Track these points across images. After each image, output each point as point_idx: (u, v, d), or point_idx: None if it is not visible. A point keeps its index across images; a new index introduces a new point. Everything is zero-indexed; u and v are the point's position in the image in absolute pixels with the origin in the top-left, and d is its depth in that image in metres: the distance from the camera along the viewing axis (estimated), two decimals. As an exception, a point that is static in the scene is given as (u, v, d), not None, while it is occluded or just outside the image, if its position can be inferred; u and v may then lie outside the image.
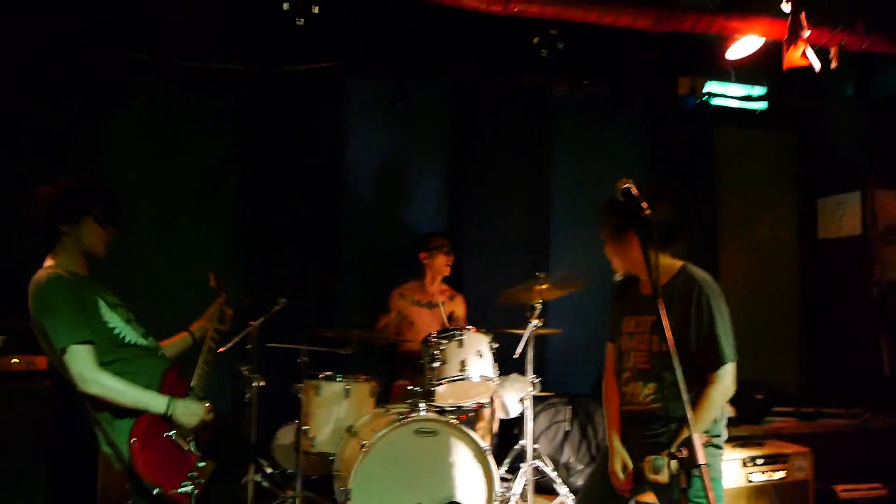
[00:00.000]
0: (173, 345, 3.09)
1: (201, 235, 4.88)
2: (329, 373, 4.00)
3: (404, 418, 3.54)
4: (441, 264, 4.66)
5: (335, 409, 3.94)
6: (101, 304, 2.70)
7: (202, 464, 2.66)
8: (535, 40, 4.60)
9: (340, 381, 3.99)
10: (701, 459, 1.85)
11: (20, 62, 4.54)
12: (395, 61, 5.10)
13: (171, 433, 2.66)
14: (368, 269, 5.19)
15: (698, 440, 1.87)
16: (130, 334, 2.75)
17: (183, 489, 2.56)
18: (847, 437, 4.83)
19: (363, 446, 3.46)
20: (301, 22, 4.36)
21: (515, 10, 4.06)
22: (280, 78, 5.01)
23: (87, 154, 4.61)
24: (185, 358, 3.02)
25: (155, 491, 2.55)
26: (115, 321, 2.71)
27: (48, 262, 2.72)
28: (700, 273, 2.56)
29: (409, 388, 3.89)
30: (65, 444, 3.86)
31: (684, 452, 1.91)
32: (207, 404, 2.75)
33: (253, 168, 5.01)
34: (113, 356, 2.64)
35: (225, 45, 4.86)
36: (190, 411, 2.68)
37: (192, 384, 2.81)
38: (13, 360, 3.64)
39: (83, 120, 4.65)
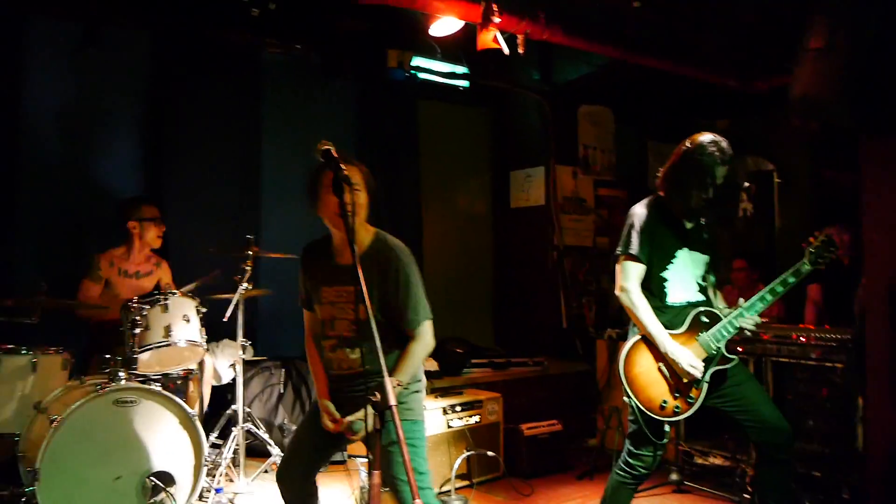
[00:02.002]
0: None
1: None
2: (11, 345, 3.56)
3: (101, 389, 3.29)
4: (153, 236, 4.32)
5: (19, 384, 3.51)
6: None
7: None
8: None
9: (26, 353, 3.56)
10: (391, 401, 1.97)
11: None
12: (84, 2, 4.63)
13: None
14: (55, 232, 4.67)
15: (389, 384, 1.98)
16: None
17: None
18: (531, 383, 5.47)
19: (53, 421, 3.15)
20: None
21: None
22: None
23: None
24: None
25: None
26: None
27: None
28: (393, 240, 2.69)
29: (106, 356, 3.60)
30: None
31: (377, 396, 2.02)
32: None
33: None
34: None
35: None
36: None
37: None
38: None
39: None
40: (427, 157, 6.10)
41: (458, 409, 4.43)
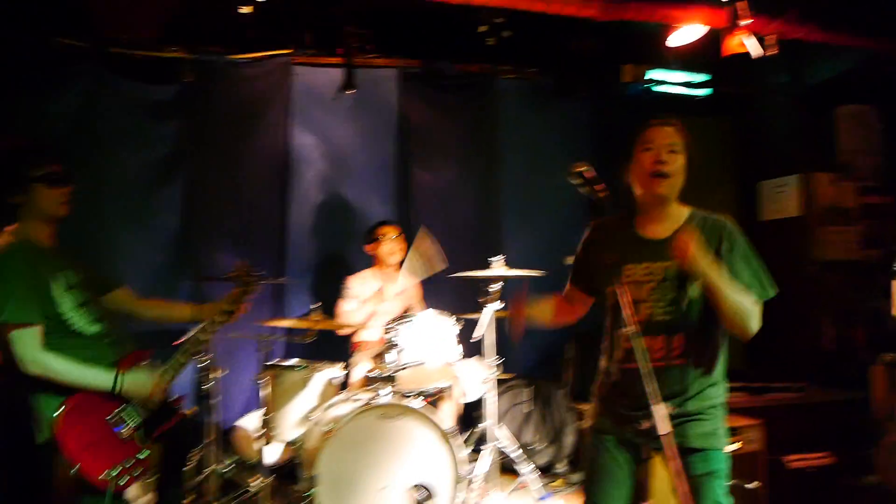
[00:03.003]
0: (169, 309, 3.08)
1: (144, 227, 4.76)
2: (289, 361, 3.94)
3: (367, 404, 3.51)
4: (389, 252, 4.64)
5: (297, 397, 3.89)
6: (55, 286, 2.56)
7: (144, 454, 2.57)
8: (482, 29, 4.63)
9: (301, 369, 3.94)
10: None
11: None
12: (342, 49, 5.06)
13: (110, 417, 2.55)
14: (318, 258, 5.15)
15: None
16: (79, 321, 2.60)
17: (106, 475, 2.45)
18: (792, 410, 5.00)
19: (327, 432, 3.43)
20: (248, 10, 4.32)
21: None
22: (226, 65, 4.94)
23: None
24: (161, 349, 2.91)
25: (72, 470, 2.43)
26: (66, 305, 2.57)
27: (8, 231, 2.59)
28: (713, 214, 2.41)
29: (370, 374, 3.86)
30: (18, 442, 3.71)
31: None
32: (162, 376, 2.65)
33: (199, 157, 4.90)
34: (60, 342, 2.52)
35: (170, 33, 4.74)
36: (140, 382, 2.58)
37: (160, 371, 2.71)
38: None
39: (19, 109, 4.48)
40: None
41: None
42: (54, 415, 2.45)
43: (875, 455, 4.73)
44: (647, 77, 5.41)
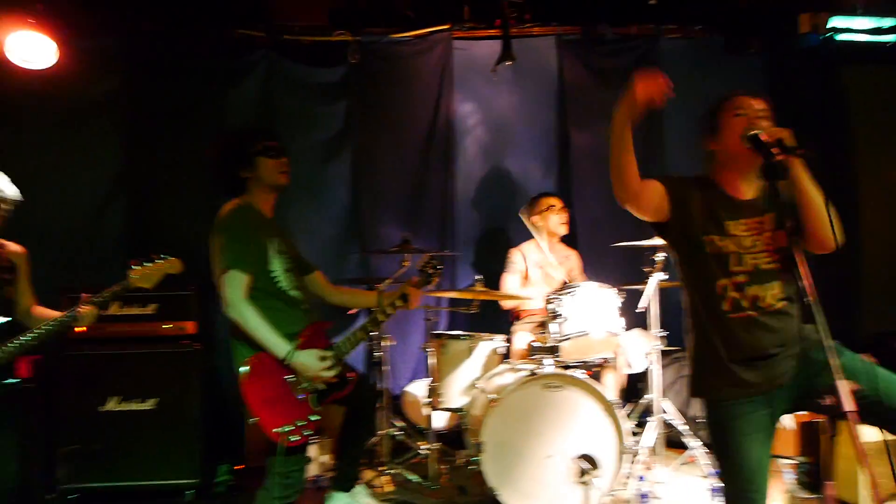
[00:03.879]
0: (354, 296, 3.36)
1: (316, 202, 5.05)
2: (455, 331, 4.10)
3: (531, 374, 3.59)
4: (554, 224, 4.67)
5: (462, 365, 4.05)
6: (271, 248, 2.88)
7: (315, 417, 2.78)
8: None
9: (465, 339, 4.09)
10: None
11: (145, 46, 4.85)
12: (499, 20, 5.08)
13: (289, 377, 2.79)
14: (481, 230, 5.26)
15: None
16: (285, 283, 2.91)
17: (280, 430, 2.69)
18: None
19: (492, 401, 3.55)
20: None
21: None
22: (388, 45, 5.13)
23: (209, 130, 4.86)
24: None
25: (251, 420, 2.71)
26: (276, 268, 2.88)
27: (241, 198, 2.94)
28: None
29: (533, 344, 3.93)
30: (214, 401, 4.16)
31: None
32: (328, 364, 2.83)
33: (365, 135, 5.14)
34: (264, 298, 2.81)
35: (336, 18, 4.98)
36: (308, 363, 2.79)
37: (336, 344, 2.94)
38: (165, 326, 3.91)
39: (205, 96, 4.91)
40: (861, 129, 5.38)
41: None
42: (241, 370, 2.74)
43: None
44: (828, 26, 4.99)
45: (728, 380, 2.29)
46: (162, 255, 2.93)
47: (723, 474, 2.35)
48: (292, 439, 2.70)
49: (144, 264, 2.88)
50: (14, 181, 4.64)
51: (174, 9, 4.83)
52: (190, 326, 3.95)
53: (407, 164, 5.15)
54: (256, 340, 2.75)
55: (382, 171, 5.13)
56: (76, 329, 2.86)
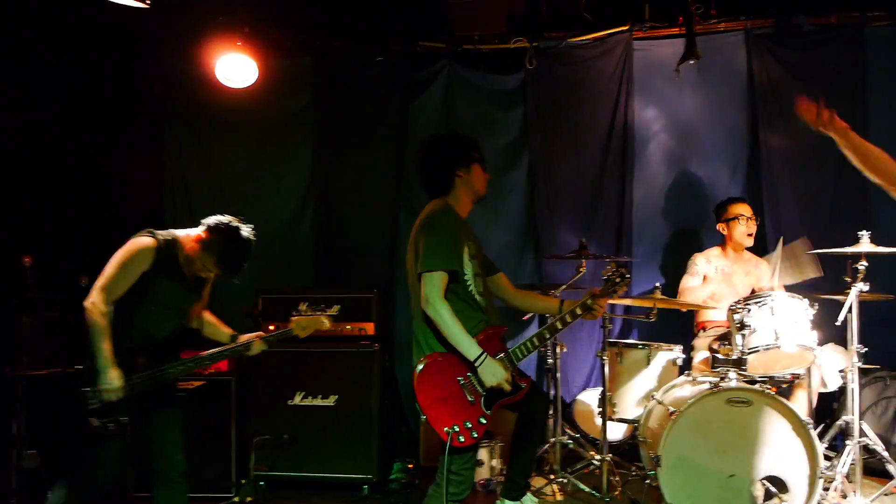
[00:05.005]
0: (536, 301, 3.37)
1: (494, 208, 5.10)
2: (631, 340, 3.99)
3: (714, 387, 3.42)
4: (740, 234, 4.41)
5: (638, 375, 3.94)
6: (467, 252, 2.96)
7: (484, 420, 2.80)
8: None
9: (643, 348, 3.98)
10: None
11: (334, 63, 5.18)
12: (682, 18, 4.90)
13: (461, 378, 2.83)
14: (665, 236, 5.09)
15: None
16: (474, 288, 2.97)
17: (448, 429, 2.73)
18: None
19: (672, 413, 3.41)
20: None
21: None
22: (566, 49, 5.11)
23: (393, 140, 5.08)
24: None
25: (422, 417, 2.79)
26: (468, 272, 2.96)
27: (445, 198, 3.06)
28: None
29: (716, 356, 3.74)
30: (391, 400, 4.34)
31: None
32: (508, 376, 2.84)
33: (543, 140, 5.14)
34: (454, 300, 2.87)
35: (513, 26, 5.03)
36: (492, 372, 2.81)
37: (512, 349, 2.96)
38: (347, 326, 4.14)
39: (391, 106, 5.14)
40: None
41: None
42: (417, 367, 2.83)
43: None
44: None
45: None
46: (321, 307, 3.13)
47: None
48: (460, 440, 2.76)
49: (304, 314, 3.09)
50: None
51: (360, 26, 5.12)
52: (370, 328, 4.16)
53: (584, 169, 5.10)
54: (449, 339, 2.83)
55: (559, 177, 5.11)
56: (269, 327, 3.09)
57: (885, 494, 3.70)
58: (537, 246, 5.04)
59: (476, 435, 2.80)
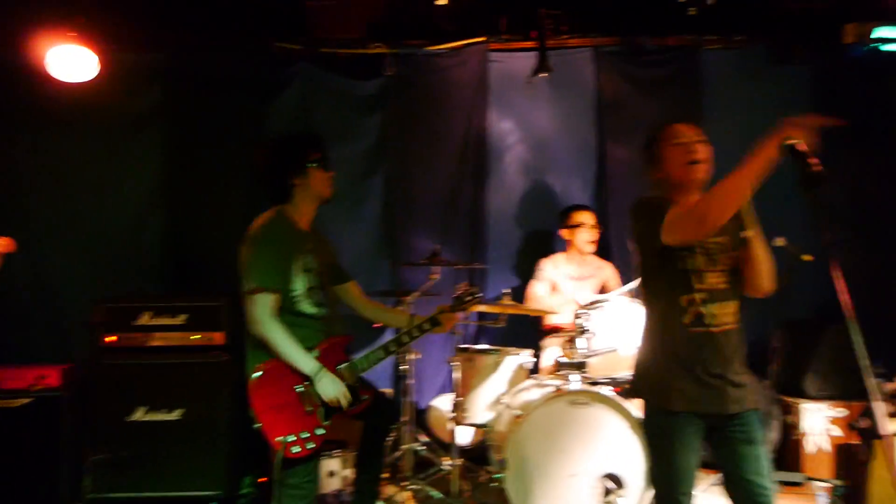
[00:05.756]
0: (385, 313, 3.32)
1: (350, 214, 5.06)
2: (481, 345, 4.07)
3: (557, 390, 3.54)
4: (582, 241, 4.60)
5: (488, 380, 4.02)
6: (296, 266, 2.88)
7: (321, 431, 2.78)
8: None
9: (492, 353, 4.06)
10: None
11: (185, 61, 4.97)
12: (535, 32, 5.05)
13: (299, 387, 2.78)
14: (519, 243, 5.21)
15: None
16: (305, 303, 2.90)
17: (282, 439, 2.68)
18: None
19: (518, 417, 3.51)
20: (444, 1, 4.45)
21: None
22: (424, 57, 5.15)
23: (248, 143, 4.94)
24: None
25: (255, 425, 2.72)
26: (297, 285, 2.88)
27: (278, 209, 2.96)
28: None
29: (562, 359, 3.88)
30: (241, 413, 4.19)
31: None
32: (345, 390, 2.82)
33: (400, 147, 5.16)
34: (282, 315, 2.81)
35: (372, 31, 5.01)
36: (329, 386, 2.79)
37: (355, 360, 2.93)
38: (194, 336, 3.97)
39: (244, 109, 4.99)
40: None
41: None
42: (253, 375, 2.76)
43: None
44: (872, 36, 4.84)
45: (685, 390, 2.39)
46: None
47: (657, 478, 2.50)
48: (294, 450, 2.70)
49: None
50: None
51: (214, 24, 4.93)
52: (219, 337, 3.99)
53: (440, 176, 5.14)
54: (283, 357, 2.77)
55: (416, 184, 5.13)
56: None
57: (714, 484, 3.97)
58: (393, 252, 5.05)
59: (313, 446, 2.76)
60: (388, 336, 3.82)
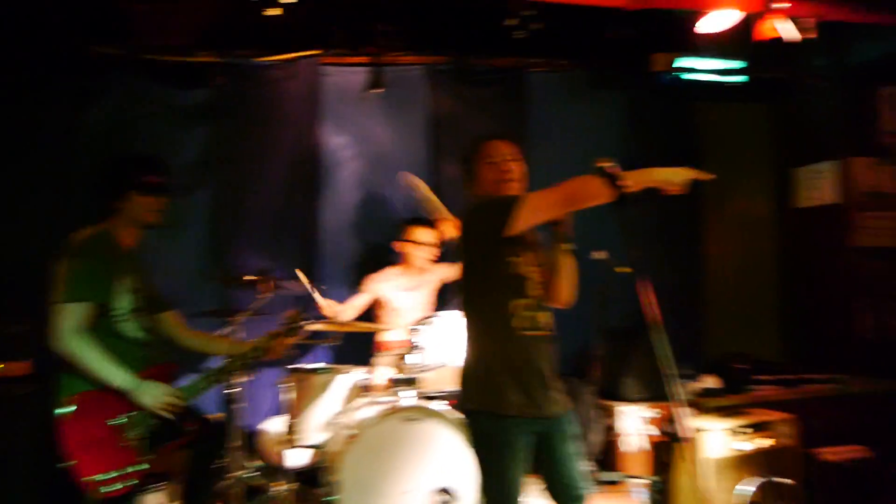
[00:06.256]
0: (208, 341, 3.20)
1: (176, 231, 4.80)
2: (313, 364, 4.02)
3: (390, 407, 3.57)
4: (419, 258, 4.65)
5: (320, 400, 3.97)
6: (119, 285, 2.73)
7: (141, 467, 2.64)
8: (509, 22, 4.58)
9: (325, 372, 4.01)
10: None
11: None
12: (369, 48, 5.07)
13: (118, 419, 2.64)
14: (349, 259, 5.18)
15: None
16: (127, 324, 2.76)
17: (91, 479, 2.53)
18: (828, 403, 4.91)
19: (350, 436, 3.49)
20: (276, 11, 4.38)
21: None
22: (255, 68, 5.01)
23: (57, 154, 4.58)
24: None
25: (65, 464, 2.54)
26: (121, 304, 2.73)
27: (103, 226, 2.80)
28: None
29: (395, 376, 3.91)
30: (49, 453, 3.86)
31: None
32: (171, 398, 2.71)
33: (230, 160, 4.99)
34: (103, 337, 2.66)
35: (199, 39, 4.82)
36: (153, 394, 2.67)
37: (178, 389, 2.80)
38: (-3, 366, 3.62)
39: (57, 116, 4.63)
40: (709, 162, 5.70)
41: (745, 430, 4.09)
42: (64, 409, 2.58)
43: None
44: (675, 65, 5.29)
45: (515, 394, 2.46)
46: None
47: (488, 488, 2.50)
48: (110, 489, 2.54)
49: None
50: None
51: (20, 20, 4.52)
52: (22, 367, 3.65)
53: (272, 191, 5.01)
54: (93, 374, 2.59)
55: (246, 199, 4.97)
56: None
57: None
58: (221, 271, 4.82)
59: (131, 482, 2.60)
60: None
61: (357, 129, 5.26)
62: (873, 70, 5.57)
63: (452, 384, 3.93)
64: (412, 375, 3.77)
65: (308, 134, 5.09)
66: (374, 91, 5.04)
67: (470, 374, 2.61)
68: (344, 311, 4.52)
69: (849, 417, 4.85)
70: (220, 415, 4.21)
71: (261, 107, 5.04)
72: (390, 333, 4.48)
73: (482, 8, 4.39)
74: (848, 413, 4.88)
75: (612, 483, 4.45)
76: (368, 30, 5.00)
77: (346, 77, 5.19)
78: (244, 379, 3.92)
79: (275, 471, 4.20)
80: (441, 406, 3.65)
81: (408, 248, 4.65)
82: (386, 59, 5.10)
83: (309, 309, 3.18)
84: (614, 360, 4.71)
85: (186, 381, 2.90)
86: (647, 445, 4.50)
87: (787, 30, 4.18)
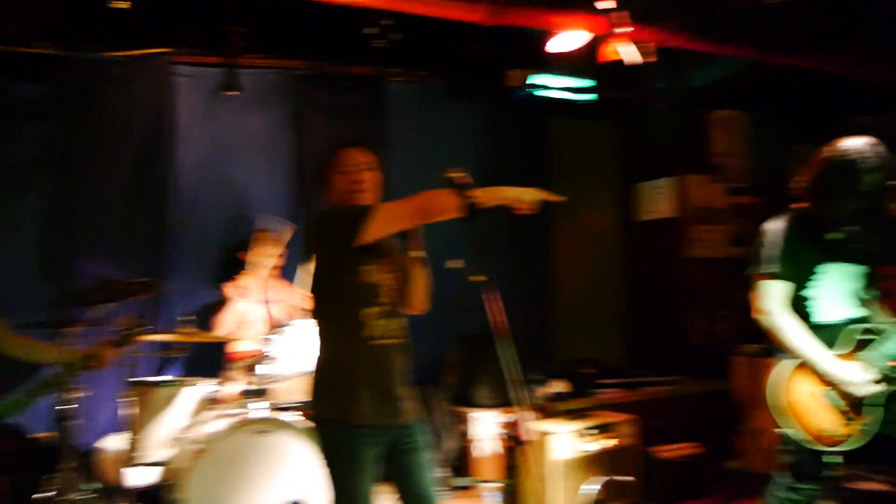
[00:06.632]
0: (34, 350, 2.95)
1: (8, 234, 4.52)
2: (158, 377, 3.83)
3: (240, 420, 3.46)
4: (261, 256, 4.50)
5: (165, 414, 3.79)
6: None
7: None
8: (366, 31, 4.59)
9: (170, 385, 3.83)
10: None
11: None
12: (223, 48, 4.91)
13: None
14: (200, 265, 4.97)
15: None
16: None
17: None
18: (665, 403, 5.26)
19: (197, 452, 3.36)
20: (124, 5, 4.16)
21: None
22: (101, 64, 4.74)
23: None
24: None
25: None
26: None
27: None
28: None
29: (246, 387, 3.80)
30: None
31: None
32: None
33: (73, 159, 4.68)
34: None
35: (42, 29, 4.50)
36: None
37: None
38: None
39: None
40: (560, 175, 5.98)
41: (591, 431, 4.29)
42: None
43: (737, 441, 5.03)
44: (529, 81, 5.49)
45: (365, 403, 2.45)
46: None
47: (337, 498, 2.48)
48: None
49: None
50: None
51: None
52: None
53: (116, 193, 4.74)
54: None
55: (88, 200, 4.66)
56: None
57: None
58: (57, 276, 4.51)
59: None
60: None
61: (214, 131, 5.07)
62: (707, 95, 6.05)
63: (305, 394, 3.90)
64: (263, 386, 3.68)
65: (157, 134, 4.85)
66: (230, 93, 4.89)
67: (320, 382, 2.57)
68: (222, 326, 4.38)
69: (683, 416, 5.22)
70: (51, 433, 3.93)
71: (106, 104, 4.76)
72: (241, 343, 4.33)
73: (341, 15, 4.35)
74: (682, 412, 5.25)
75: (465, 488, 4.53)
76: (222, 30, 4.84)
77: (201, 78, 5.01)
78: (79, 393, 3.69)
79: (114, 492, 3.96)
80: (293, 417, 3.58)
81: (250, 255, 4.51)
82: (241, 61, 4.96)
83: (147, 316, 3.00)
84: (468, 366, 4.81)
85: (5, 395, 2.68)
86: (500, 450, 4.61)
87: (628, 53, 4.43)
